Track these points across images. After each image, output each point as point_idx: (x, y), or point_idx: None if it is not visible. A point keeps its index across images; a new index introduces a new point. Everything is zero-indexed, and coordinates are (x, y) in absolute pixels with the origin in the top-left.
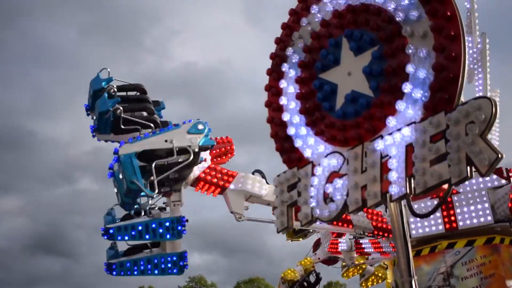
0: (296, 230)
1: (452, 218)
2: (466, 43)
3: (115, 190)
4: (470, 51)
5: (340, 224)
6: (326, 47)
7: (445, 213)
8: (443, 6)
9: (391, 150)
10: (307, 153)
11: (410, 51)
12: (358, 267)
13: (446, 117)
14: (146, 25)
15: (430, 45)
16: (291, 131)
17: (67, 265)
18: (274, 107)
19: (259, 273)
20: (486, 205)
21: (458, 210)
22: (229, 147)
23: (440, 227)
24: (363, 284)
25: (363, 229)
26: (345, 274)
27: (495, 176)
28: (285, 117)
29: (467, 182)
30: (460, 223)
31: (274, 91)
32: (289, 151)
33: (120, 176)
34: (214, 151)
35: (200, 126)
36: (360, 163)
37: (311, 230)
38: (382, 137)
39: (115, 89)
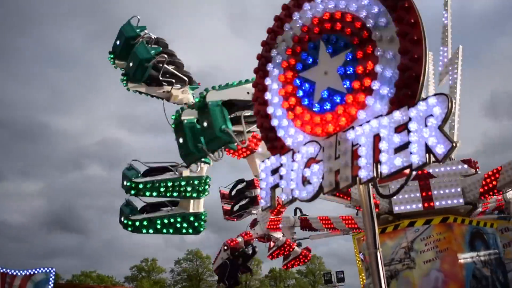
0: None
1: (429, 198)
2: (441, 52)
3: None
4: (445, 60)
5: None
6: (306, 50)
7: (424, 193)
8: (408, 14)
9: (361, 140)
10: (288, 142)
11: (378, 53)
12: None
13: (409, 111)
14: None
15: (396, 48)
16: (274, 122)
17: (79, 240)
18: (260, 102)
19: None
20: (459, 189)
21: (435, 192)
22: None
23: (420, 205)
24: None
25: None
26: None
27: (466, 166)
28: (270, 110)
29: (442, 169)
30: (437, 203)
31: (260, 87)
32: (272, 140)
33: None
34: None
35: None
36: (334, 151)
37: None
38: (353, 128)
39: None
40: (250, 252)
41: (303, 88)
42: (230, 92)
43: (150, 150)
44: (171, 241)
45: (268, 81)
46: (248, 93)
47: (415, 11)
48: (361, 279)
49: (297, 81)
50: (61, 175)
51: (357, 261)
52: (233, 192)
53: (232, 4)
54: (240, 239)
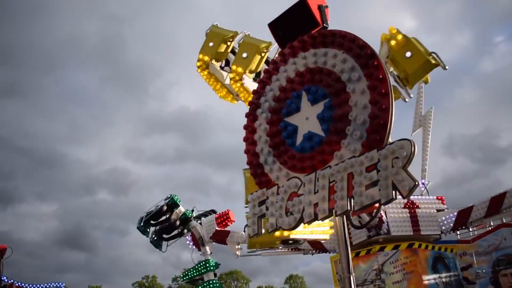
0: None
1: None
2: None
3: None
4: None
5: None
6: (290, 98)
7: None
8: (377, 71)
9: (337, 177)
10: (274, 177)
11: (352, 103)
12: None
13: (378, 153)
14: (151, 78)
15: (367, 99)
16: (262, 160)
17: (87, 257)
18: (250, 141)
19: (235, 268)
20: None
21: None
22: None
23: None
24: None
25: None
26: None
27: (439, 202)
28: (258, 149)
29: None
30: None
31: (250, 129)
32: (260, 175)
33: None
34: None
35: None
36: (314, 186)
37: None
38: (330, 167)
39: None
40: None
41: (287, 130)
42: None
43: (153, 178)
44: (169, 260)
45: (257, 124)
46: None
47: (383, 68)
48: None
49: (282, 124)
50: (74, 199)
51: (334, 281)
52: None
53: None
54: None
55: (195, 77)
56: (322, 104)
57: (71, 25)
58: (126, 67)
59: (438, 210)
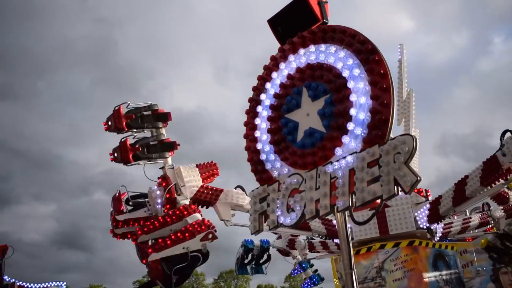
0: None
1: (385, 226)
2: (396, 94)
3: None
4: (399, 101)
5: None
6: (291, 94)
7: (380, 223)
8: (378, 66)
9: (338, 173)
10: (275, 174)
11: (353, 99)
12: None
13: (379, 148)
14: (143, 80)
15: (368, 94)
16: (263, 157)
17: (86, 257)
18: (251, 138)
19: (232, 267)
20: (411, 216)
21: (389, 220)
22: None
23: (376, 231)
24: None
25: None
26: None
27: (417, 195)
28: (259, 146)
29: (397, 198)
30: (391, 232)
31: (250, 126)
32: (261, 172)
33: None
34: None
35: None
36: (315, 182)
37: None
38: (331, 163)
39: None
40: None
41: (288, 127)
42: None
43: (148, 179)
44: None
45: (257, 121)
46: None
47: (384, 63)
48: None
49: (283, 121)
50: (71, 200)
51: (335, 280)
52: None
53: (216, 57)
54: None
55: (187, 79)
56: (323, 100)
57: (63, 29)
58: (118, 70)
59: (417, 204)
